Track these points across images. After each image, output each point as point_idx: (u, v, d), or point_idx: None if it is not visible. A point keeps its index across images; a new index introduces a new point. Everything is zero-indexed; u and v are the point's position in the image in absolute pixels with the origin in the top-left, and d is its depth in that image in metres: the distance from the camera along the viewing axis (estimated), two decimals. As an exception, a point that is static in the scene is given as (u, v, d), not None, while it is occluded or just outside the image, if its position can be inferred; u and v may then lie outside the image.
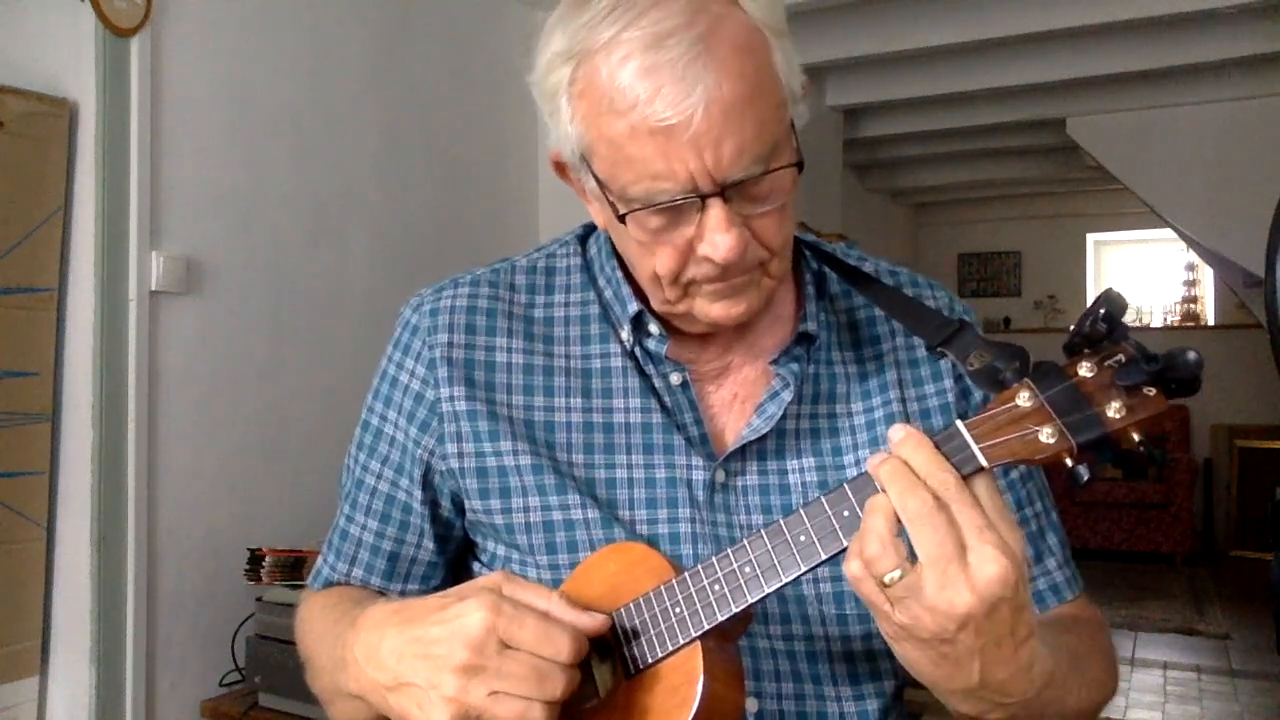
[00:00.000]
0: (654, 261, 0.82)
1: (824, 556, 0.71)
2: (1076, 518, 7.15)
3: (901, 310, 0.89)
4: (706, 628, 0.74)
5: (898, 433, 0.68)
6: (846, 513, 0.71)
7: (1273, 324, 2.51)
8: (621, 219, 0.80)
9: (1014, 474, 0.95)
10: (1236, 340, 7.04)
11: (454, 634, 0.72)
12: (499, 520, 0.90)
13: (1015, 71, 4.96)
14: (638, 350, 0.91)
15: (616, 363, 0.92)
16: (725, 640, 0.78)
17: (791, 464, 0.89)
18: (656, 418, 0.89)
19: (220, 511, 2.49)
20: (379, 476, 0.95)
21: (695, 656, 0.74)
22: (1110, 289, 0.67)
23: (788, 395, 0.88)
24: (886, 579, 0.66)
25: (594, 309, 0.94)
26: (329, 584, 0.99)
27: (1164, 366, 0.65)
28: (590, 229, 0.99)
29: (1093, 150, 5.82)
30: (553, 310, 0.95)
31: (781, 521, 0.72)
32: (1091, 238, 8.92)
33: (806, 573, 0.72)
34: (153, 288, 2.32)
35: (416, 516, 0.94)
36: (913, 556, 0.66)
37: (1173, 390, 0.65)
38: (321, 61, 2.82)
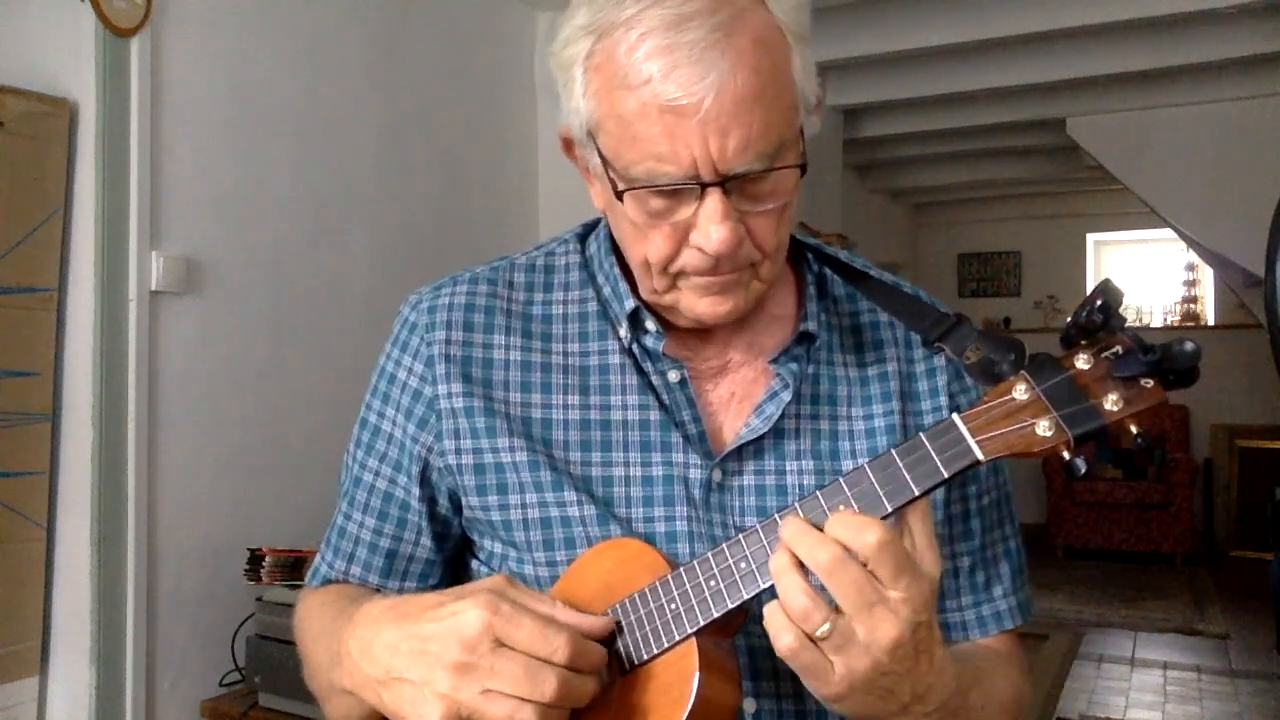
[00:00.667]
0: (646, 246, 0.82)
1: None
2: (1076, 518, 7.15)
3: (899, 306, 0.89)
4: (702, 624, 0.74)
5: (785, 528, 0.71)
6: (842, 507, 0.71)
7: (1273, 324, 2.51)
8: (620, 196, 0.80)
9: (985, 499, 0.94)
10: (1236, 340, 7.03)
11: (449, 631, 0.72)
12: (496, 517, 0.90)
13: (1015, 71, 4.96)
14: (635, 347, 0.91)
15: (614, 360, 0.91)
16: (721, 637, 0.77)
17: (789, 465, 0.89)
18: (654, 415, 0.89)
19: (220, 511, 2.49)
20: (377, 474, 0.95)
21: (691, 653, 0.74)
22: (1107, 279, 0.67)
23: (786, 396, 0.88)
24: (819, 632, 0.67)
25: (592, 306, 0.94)
26: (327, 582, 0.98)
27: (1161, 357, 0.64)
28: (589, 227, 0.99)
29: (1093, 150, 5.82)
30: (551, 308, 0.94)
31: (777, 517, 0.72)
32: (1091, 238, 8.92)
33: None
34: (153, 288, 2.32)
35: (414, 514, 0.94)
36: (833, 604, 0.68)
37: (1170, 381, 0.65)
38: (321, 61, 2.82)
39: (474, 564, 0.96)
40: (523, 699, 0.70)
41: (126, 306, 2.26)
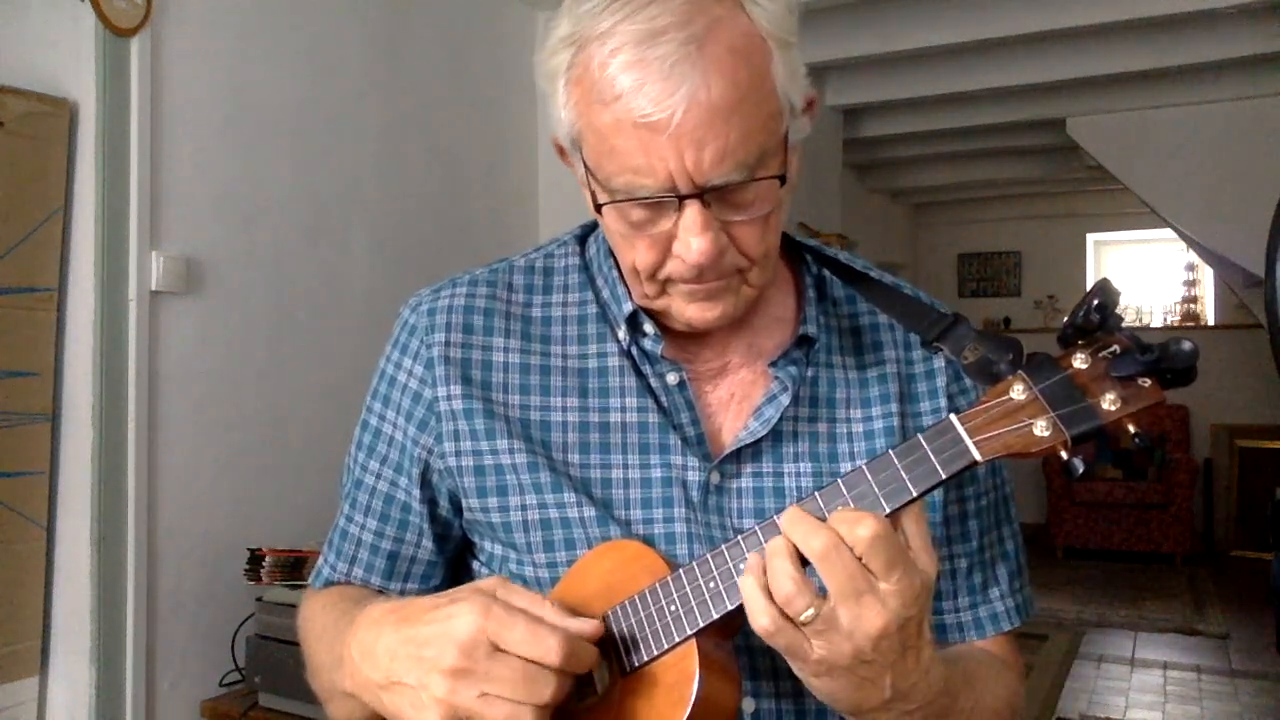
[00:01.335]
0: (634, 254, 0.82)
1: None
2: (1077, 518, 7.15)
3: (898, 307, 0.89)
4: (701, 625, 0.74)
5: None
6: (841, 506, 0.71)
7: (1273, 324, 2.50)
8: (599, 209, 0.81)
9: (983, 500, 0.94)
10: (1236, 340, 7.03)
11: (444, 635, 0.72)
12: (496, 519, 0.90)
13: (1015, 71, 4.96)
14: (634, 350, 0.91)
15: (614, 362, 0.91)
16: (721, 638, 0.77)
17: (787, 467, 0.89)
18: (653, 417, 0.89)
19: (220, 511, 2.49)
20: (378, 476, 0.95)
21: (691, 655, 0.74)
22: (1105, 279, 0.67)
23: (785, 399, 0.88)
24: (803, 617, 0.67)
25: (591, 308, 0.94)
26: (329, 583, 0.99)
27: (1159, 356, 0.64)
28: (589, 229, 0.99)
29: (1093, 150, 5.82)
30: (550, 310, 0.94)
31: (776, 519, 0.72)
32: (1091, 238, 8.92)
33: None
34: (153, 288, 2.32)
35: (415, 516, 0.94)
36: (821, 590, 0.68)
37: (1168, 380, 0.65)
38: (321, 61, 2.82)
39: (474, 565, 0.96)
40: (520, 702, 0.70)
41: (126, 306, 2.26)
